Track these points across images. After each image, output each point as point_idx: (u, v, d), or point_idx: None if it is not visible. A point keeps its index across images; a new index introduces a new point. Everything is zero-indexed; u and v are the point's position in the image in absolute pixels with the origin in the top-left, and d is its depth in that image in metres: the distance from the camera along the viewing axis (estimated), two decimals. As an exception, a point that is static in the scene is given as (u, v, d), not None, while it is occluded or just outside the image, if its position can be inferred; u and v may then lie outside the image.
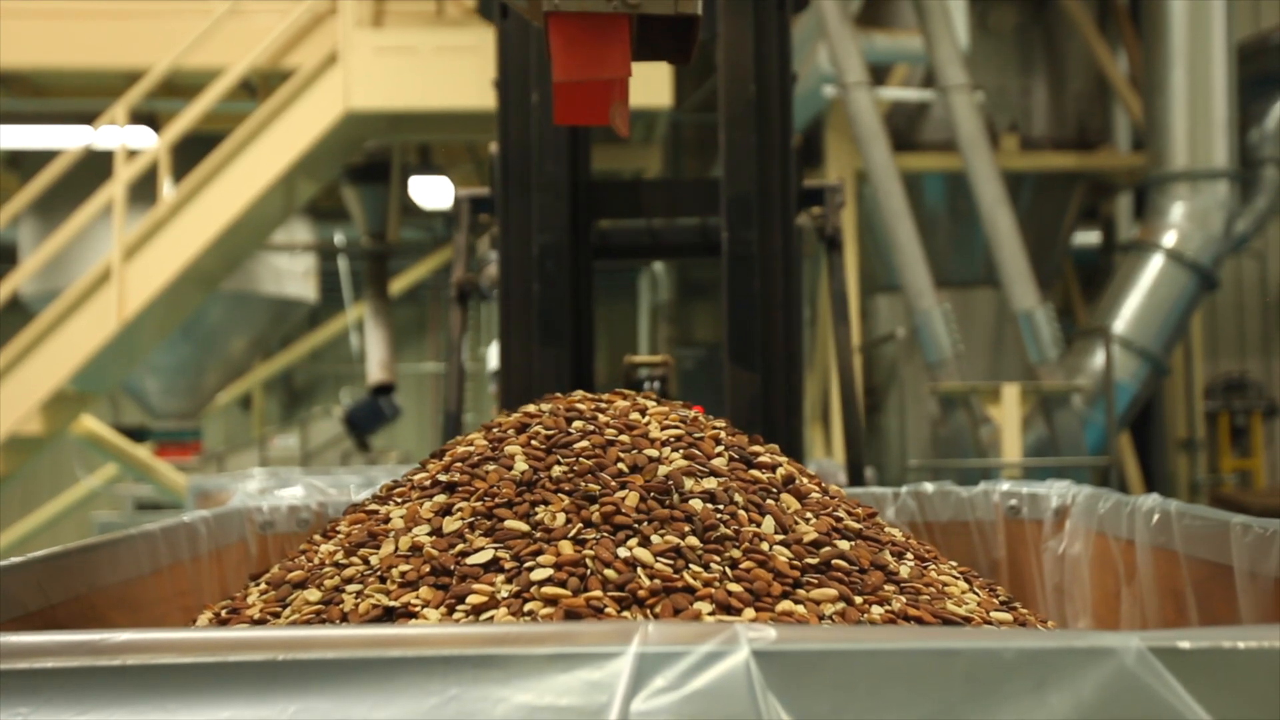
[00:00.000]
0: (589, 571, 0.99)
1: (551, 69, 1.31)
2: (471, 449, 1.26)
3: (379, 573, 1.06)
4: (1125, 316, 6.45)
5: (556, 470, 1.15)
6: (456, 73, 6.53)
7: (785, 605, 0.98)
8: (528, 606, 0.95)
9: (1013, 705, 0.64)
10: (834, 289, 2.62)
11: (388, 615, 0.98)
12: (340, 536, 1.20)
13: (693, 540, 1.03)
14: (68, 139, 7.63)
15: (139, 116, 7.27)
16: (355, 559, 1.10)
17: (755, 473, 1.21)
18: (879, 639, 0.66)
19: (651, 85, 6.33)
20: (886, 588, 1.06)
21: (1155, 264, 6.47)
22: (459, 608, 0.97)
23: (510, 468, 1.17)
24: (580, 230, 2.29)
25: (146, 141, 7.33)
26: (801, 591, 1.01)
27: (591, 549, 1.02)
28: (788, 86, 2.28)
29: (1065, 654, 0.65)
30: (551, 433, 1.23)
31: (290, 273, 8.96)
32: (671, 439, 1.23)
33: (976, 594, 1.17)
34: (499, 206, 2.26)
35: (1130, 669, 0.65)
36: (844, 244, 2.60)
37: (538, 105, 2.20)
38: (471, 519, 1.10)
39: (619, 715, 0.63)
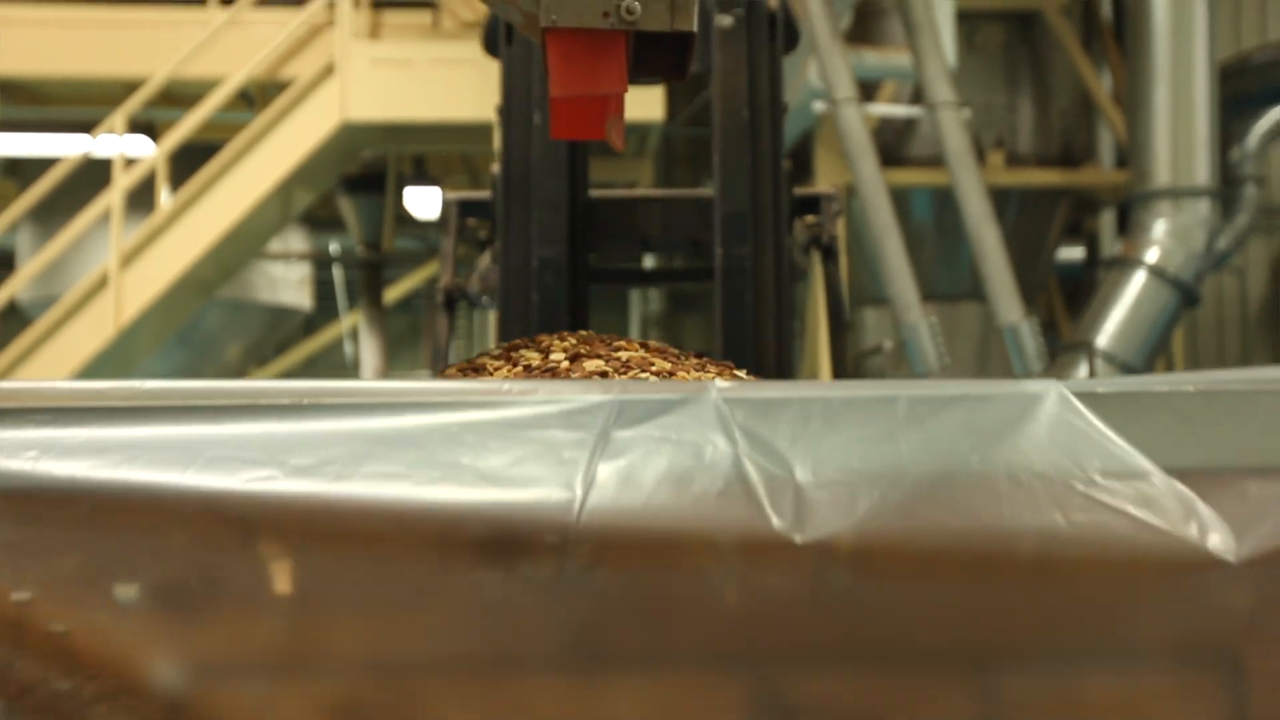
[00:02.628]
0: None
1: (549, 84, 1.39)
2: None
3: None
4: (1108, 331, 6.53)
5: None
6: (453, 85, 6.61)
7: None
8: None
9: (947, 433, 0.73)
10: (830, 298, 2.65)
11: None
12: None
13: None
14: (66, 147, 7.69)
15: (137, 125, 7.34)
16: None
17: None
18: (829, 390, 0.78)
19: (644, 99, 6.43)
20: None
21: (1138, 280, 6.56)
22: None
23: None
24: (578, 245, 2.36)
25: (145, 150, 7.40)
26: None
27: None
28: (779, 114, 2.36)
29: (995, 397, 0.75)
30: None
31: (286, 281, 9.02)
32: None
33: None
34: (500, 221, 2.34)
35: (1052, 408, 0.73)
36: (840, 253, 2.65)
37: (539, 126, 2.28)
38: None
39: (600, 434, 0.72)
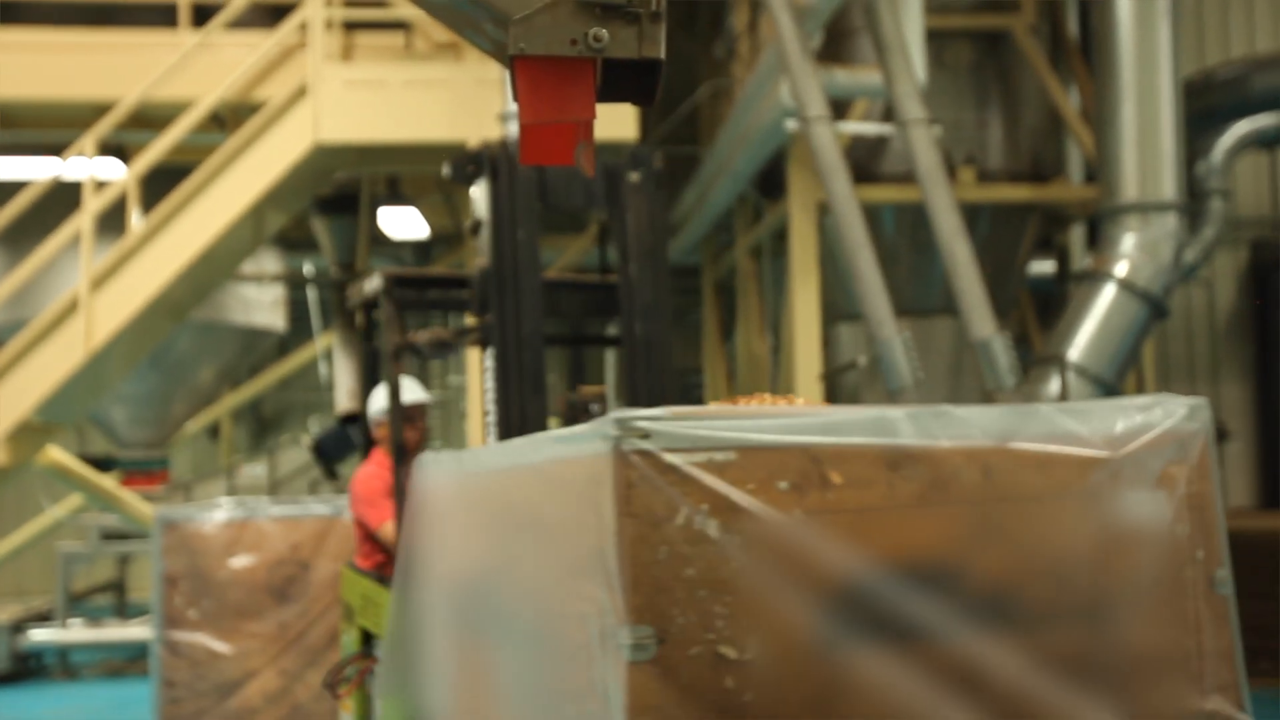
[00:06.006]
0: None
1: (518, 111, 1.40)
2: None
3: None
4: (1079, 344, 6.59)
5: None
6: (425, 106, 6.62)
7: None
8: None
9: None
10: None
11: None
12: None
13: None
14: (36, 170, 7.65)
15: (108, 148, 7.31)
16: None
17: None
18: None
19: (616, 119, 6.45)
20: None
21: (1108, 293, 6.62)
22: None
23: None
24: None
25: (115, 173, 7.36)
26: None
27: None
28: (667, 235, 3.66)
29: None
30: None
31: (259, 302, 8.98)
32: None
33: None
34: (495, 303, 3.33)
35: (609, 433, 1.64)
36: None
37: (523, 240, 3.34)
38: None
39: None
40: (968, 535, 1.74)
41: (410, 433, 3.99)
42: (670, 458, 1.57)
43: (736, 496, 1.58)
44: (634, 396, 3.39)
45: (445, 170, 3.54)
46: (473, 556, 2.19)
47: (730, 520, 1.57)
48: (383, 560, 3.95)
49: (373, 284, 3.63)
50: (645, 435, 1.57)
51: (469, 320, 3.49)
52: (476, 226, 3.43)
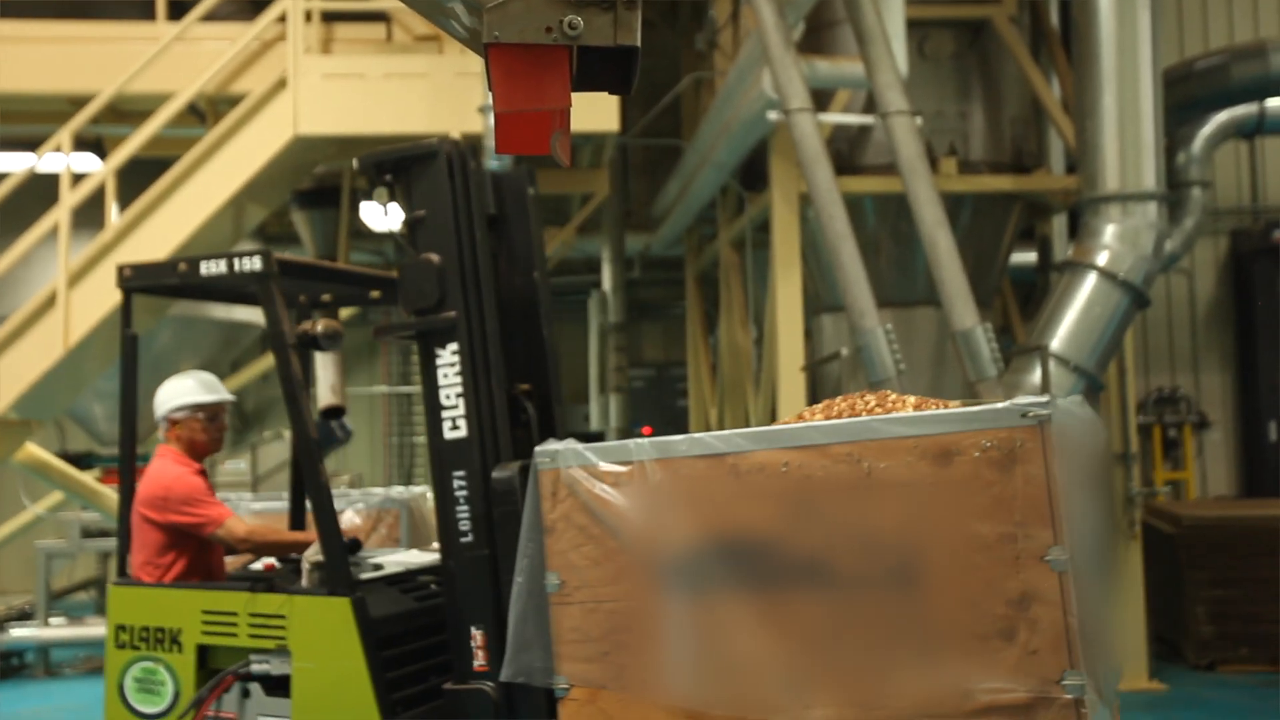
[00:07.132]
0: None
1: (492, 100, 1.39)
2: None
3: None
4: (1061, 334, 6.60)
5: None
6: (405, 98, 6.59)
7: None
8: None
9: None
10: None
11: None
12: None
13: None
14: (11, 164, 7.58)
15: (85, 142, 7.24)
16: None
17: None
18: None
19: (599, 111, 6.44)
20: None
21: (1089, 283, 6.64)
22: None
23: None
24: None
25: (92, 166, 7.30)
26: None
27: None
28: (544, 257, 3.81)
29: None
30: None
31: (239, 297, 8.91)
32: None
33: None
34: (459, 301, 3.36)
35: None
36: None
37: (480, 239, 3.44)
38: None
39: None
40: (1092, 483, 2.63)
41: (212, 431, 3.95)
42: (1055, 428, 2.24)
43: (1069, 452, 2.28)
44: (545, 392, 3.67)
45: (355, 165, 3.43)
46: (761, 521, 2.45)
47: (1063, 470, 2.23)
48: (187, 570, 3.71)
49: (249, 264, 3.48)
50: (1049, 414, 2.24)
51: (409, 315, 3.39)
52: (416, 222, 3.38)
